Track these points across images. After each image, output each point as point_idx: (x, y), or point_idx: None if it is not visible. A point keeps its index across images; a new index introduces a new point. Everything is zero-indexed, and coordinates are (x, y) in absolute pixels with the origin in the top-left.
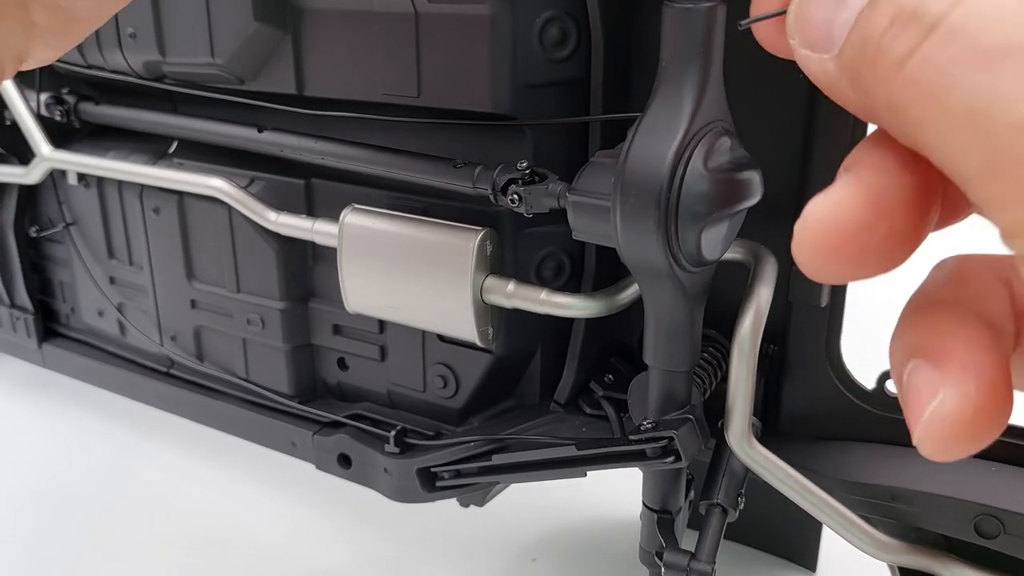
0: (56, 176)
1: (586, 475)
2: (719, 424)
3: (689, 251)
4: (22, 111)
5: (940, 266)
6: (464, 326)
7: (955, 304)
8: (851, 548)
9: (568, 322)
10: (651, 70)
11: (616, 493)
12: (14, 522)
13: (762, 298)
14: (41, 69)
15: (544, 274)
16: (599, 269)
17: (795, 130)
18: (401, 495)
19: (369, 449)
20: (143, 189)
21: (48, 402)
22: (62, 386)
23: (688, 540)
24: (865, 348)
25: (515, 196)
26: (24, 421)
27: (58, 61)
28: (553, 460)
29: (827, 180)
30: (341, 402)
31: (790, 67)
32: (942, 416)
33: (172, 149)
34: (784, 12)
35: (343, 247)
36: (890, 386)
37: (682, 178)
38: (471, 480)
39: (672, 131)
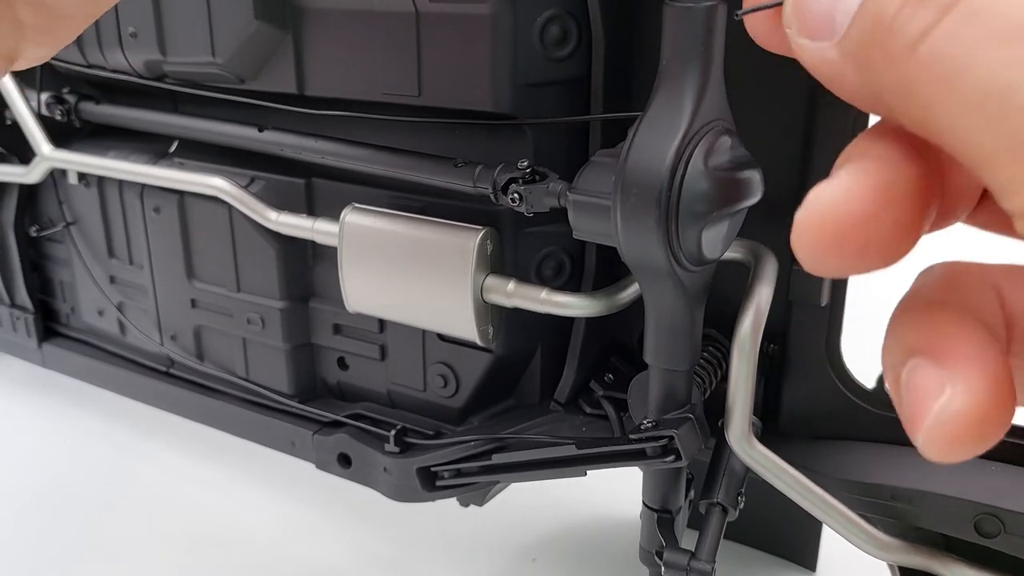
0: (56, 175)
1: (586, 474)
2: (719, 423)
3: (689, 250)
4: (23, 110)
5: (928, 271)
6: (464, 325)
7: (950, 305)
8: (851, 548)
9: (568, 321)
10: (652, 69)
11: (616, 493)
12: (14, 522)
13: (762, 297)
14: (42, 68)
15: (544, 273)
16: (599, 268)
17: (795, 130)
18: (401, 495)
19: (369, 448)
20: (143, 188)
21: (48, 402)
22: (62, 386)
23: (688, 539)
24: (865, 348)
25: (515, 195)
26: (24, 421)
27: (59, 61)
28: (553, 459)
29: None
30: (341, 402)
31: (790, 66)
32: (951, 413)
33: (173, 148)
34: (781, 3)
35: (343, 246)
36: None
37: (683, 177)
38: (471, 479)
39: (673, 130)
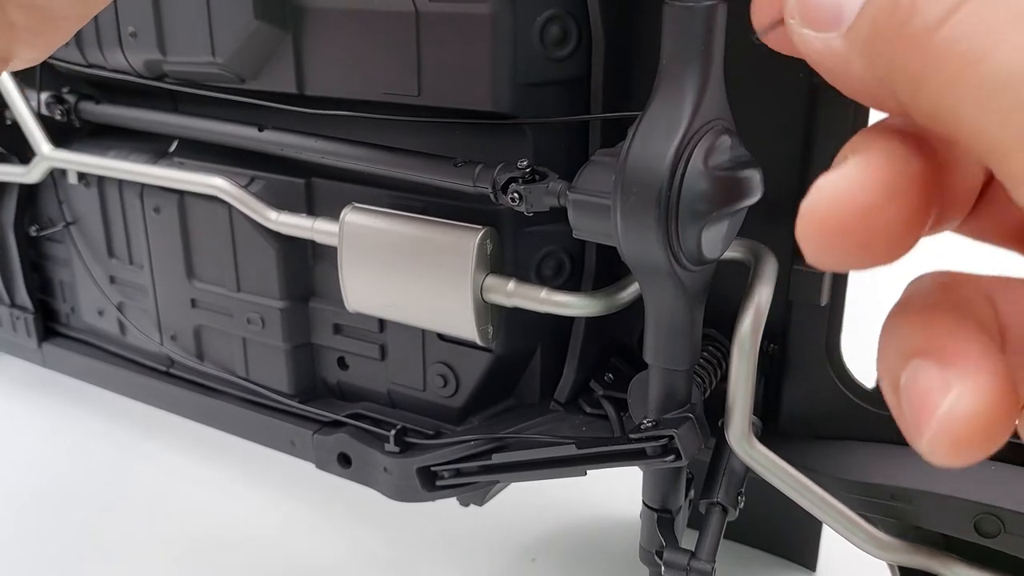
0: (56, 175)
1: (586, 474)
2: (719, 423)
3: (689, 249)
4: (22, 110)
5: (919, 279)
6: (464, 325)
7: (948, 308)
8: (851, 548)
9: (568, 321)
10: (652, 69)
11: (616, 492)
12: (14, 522)
13: (762, 297)
14: (42, 68)
15: (544, 273)
16: (599, 268)
17: (795, 129)
18: (401, 494)
19: (369, 448)
20: (143, 188)
21: (48, 402)
22: (62, 386)
23: (688, 539)
24: (865, 348)
25: (515, 195)
26: (24, 421)
27: (59, 60)
28: (553, 459)
29: None
30: (341, 401)
31: (791, 66)
32: (959, 413)
33: (172, 148)
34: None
35: (343, 246)
36: None
37: (682, 176)
38: (471, 479)
39: (672, 130)
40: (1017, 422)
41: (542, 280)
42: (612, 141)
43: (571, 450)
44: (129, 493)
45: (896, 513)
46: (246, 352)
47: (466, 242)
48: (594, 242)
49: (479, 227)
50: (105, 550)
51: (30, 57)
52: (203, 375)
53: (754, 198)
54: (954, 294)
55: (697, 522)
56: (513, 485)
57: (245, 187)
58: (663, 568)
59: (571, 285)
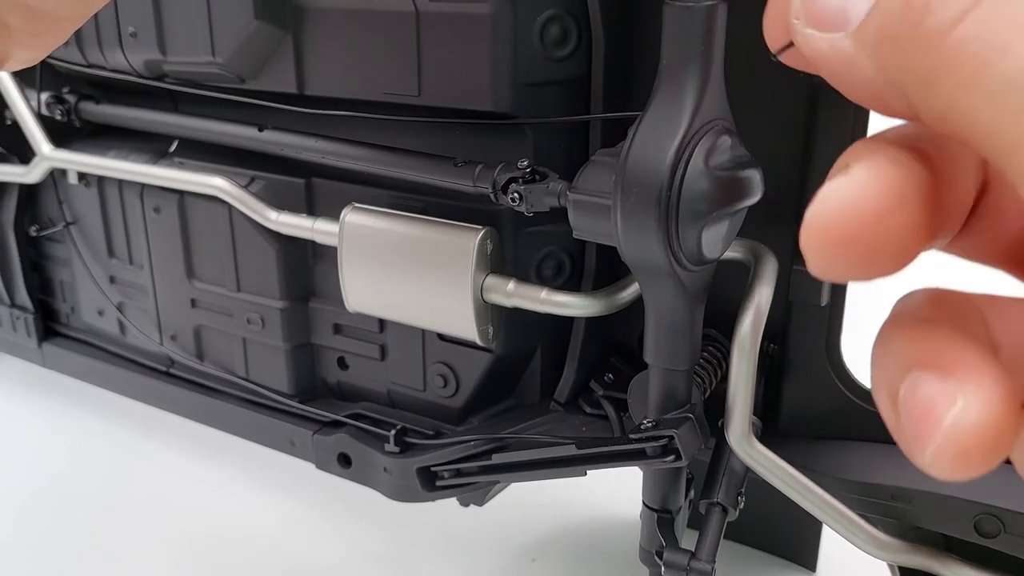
0: (56, 175)
1: (586, 474)
2: (719, 423)
3: (689, 249)
4: (23, 110)
5: (910, 295)
6: (464, 325)
7: (944, 321)
8: (851, 548)
9: (568, 321)
10: (652, 69)
11: (616, 493)
12: (14, 522)
13: (762, 297)
14: (42, 68)
15: (544, 273)
16: (599, 268)
17: (795, 130)
18: (401, 494)
19: (369, 448)
20: (143, 188)
21: (48, 402)
22: (62, 386)
23: (688, 539)
24: (865, 348)
25: (515, 195)
26: (24, 421)
27: (59, 60)
28: (553, 459)
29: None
30: (341, 401)
31: (790, 66)
32: (966, 424)
33: (172, 148)
34: None
35: (343, 246)
36: None
37: (683, 176)
38: (471, 479)
39: (673, 129)
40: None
41: (542, 280)
42: (612, 141)
43: (571, 450)
44: (129, 493)
45: (896, 513)
46: (246, 352)
47: (466, 242)
48: (594, 242)
49: (479, 227)
50: (105, 550)
51: (26, 58)
52: (203, 375)
53: (754, 198)
54: (946, 309)
55: (697, 522)
56: (513, 485)
57: (245, 187)
58: (663, 568)
59: (571, 285)
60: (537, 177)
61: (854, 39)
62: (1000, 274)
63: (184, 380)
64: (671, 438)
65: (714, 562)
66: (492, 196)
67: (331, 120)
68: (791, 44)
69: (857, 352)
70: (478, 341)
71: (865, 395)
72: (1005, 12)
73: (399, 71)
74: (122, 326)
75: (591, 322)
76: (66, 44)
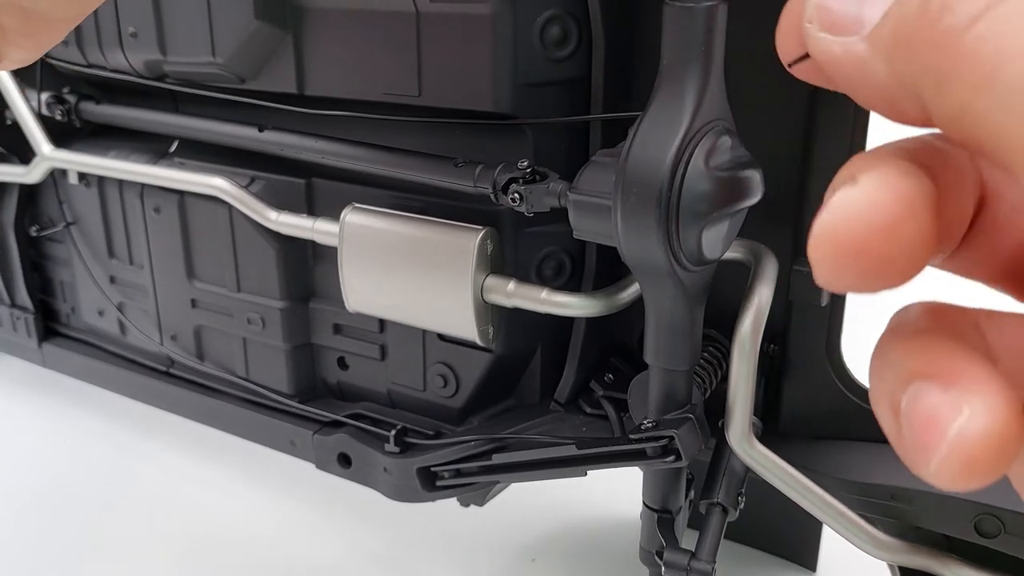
0: (57, 175)
1: (586, 474)
2: (719, 423)
3: (690, 250)
4: (23, 110)
5: (906, 309)
6: (464, 325)
7: (943, 333)
8: (851, 548)
9: (568, 321)
10: (652, 69)
11: (616, 493)
12: (14, 522)
13: (762, 298)
14: (42, 68)
15: (545, 273)
16: (600, 268)
17: (795, 130)
18: (401, 494)
19: (369, 448)
20: (144, 188)
21: (48, 402)
22: (62, 386)
23: (688, 539)
24: (865, 348)
25: (516, 195)
26: (24, 421)
27: (59, 60)
28: (553, 459)
29: (827, 180)
30: (341, 401)
31: None
32: (972, 434)
33: (173, 148)
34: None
35: (344, 246)
36: None
37: (683, 177)
38: (471, 479)
39: (673, 130)
40: None
41: (542, 280)
42: (612, 141)
43: (571, 450)
44: (129, 493)
45: (896, 513)
46: (246, 352)
47: (466, 242)
48: (594, 242)
49: (479, 227)
50: (105, 550)
51: (21, 58)
52: (203, 375)
53: (754, 199)
54: (944, 322)
55: (697, 522)
56: (513, 485)
57: (245, 187)
58: (663, 568)
59: (571, 285)
60: (537, 177)
61: (869, 42)
62: (995, 293)
63: (184, 380)
64: (671, 438)
65: (714, 562)
66: (492, 196)
67: (331, 120)
68: (804, 56)
69: (857, 352)
70: (478, 341)
71: (865, 395)
72: (1022, 13)
73: (399, 71)
74: (122, 326)
75: (591, 322)
76: (66, 44)
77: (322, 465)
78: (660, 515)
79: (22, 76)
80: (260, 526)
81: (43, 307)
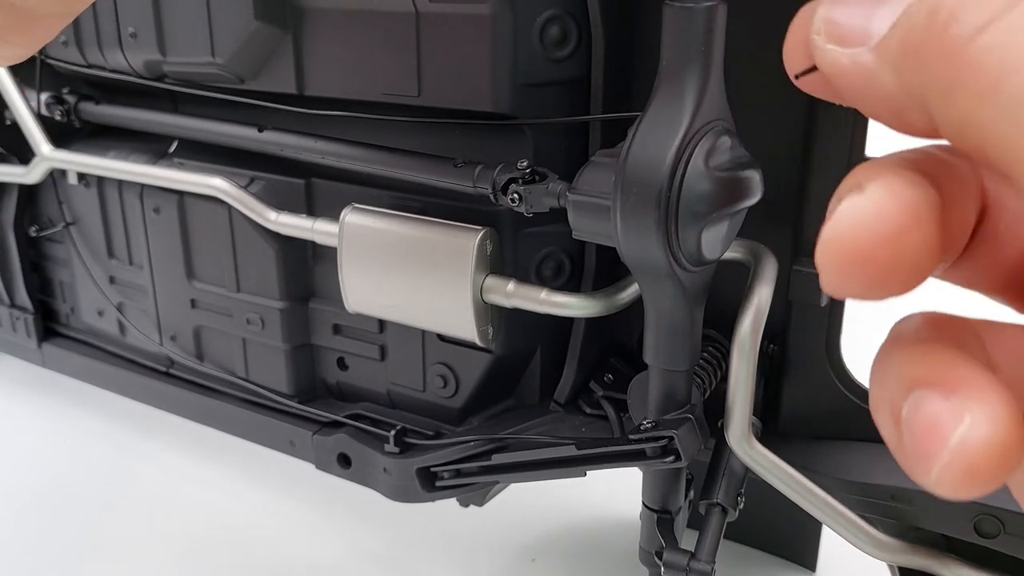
0: (56, 176)
1: (586, 475)
2: (719, 424)
3: (689, 250)
4: (22, 110)
5: (907, 318)
6: (464, 325)
7: (943, 341)
8: (851, 548)
9: (568, 322)
10: (652, 69)
11: (616, 493)
12: (14, 522)
13: (762, 298)
14: (41, 68)
15: (544, 274)
16: (599, 269)
17: (795, 130)
18: (401, 495)
19: (369, 449)
20: (143, 189)
21: (48, 402)
22: (62, 386)
23: (688, 540)
24: (865, 348)
25: (515, 195)
26: (24, 421)
27: (58, 61)
28: (553, 460)
29: (827, 180)
30: (341, 402)
31: None
32: (974, 442)
33: (172, 149)
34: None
35: (343, 246)
36: None
37: (682, 177)
38: (471, 480)
39: (673, 130)
40: None
41: (542, 281)
42: (612, 142)
43: (571, 451)
44: (129, 493)
45: (896, 513)
46: (246, 353)
47: (466, 243)
48: (594, 243)
49: (479, 228)
50: (105, 550)
51: (11, 55)
52: (203, 375)
53: (754, 199)
54: (945, 331)
55: (697, 522)
56: (513, 485)
57: (245, 188)
58: (663, 569)
59: (571, 286)
60: (537, 178)
61: (876, 53)
62: (994, 304)
63: (184, 380)
64: (671, 439)
65: (714, 562)
66: (492, 197)
67: (331, 121)
68: (812, 68)
69: (857, 352)
70: (478, 342)
71: (865, 395)
72: None
73: (399, 72)
74: (122, 326)
75: (591, 323)
76: (66, 44)
77: (322, 465)
78: (660, 515)
79: (22, 76)
80: (260, 526)
81: (43, 307)
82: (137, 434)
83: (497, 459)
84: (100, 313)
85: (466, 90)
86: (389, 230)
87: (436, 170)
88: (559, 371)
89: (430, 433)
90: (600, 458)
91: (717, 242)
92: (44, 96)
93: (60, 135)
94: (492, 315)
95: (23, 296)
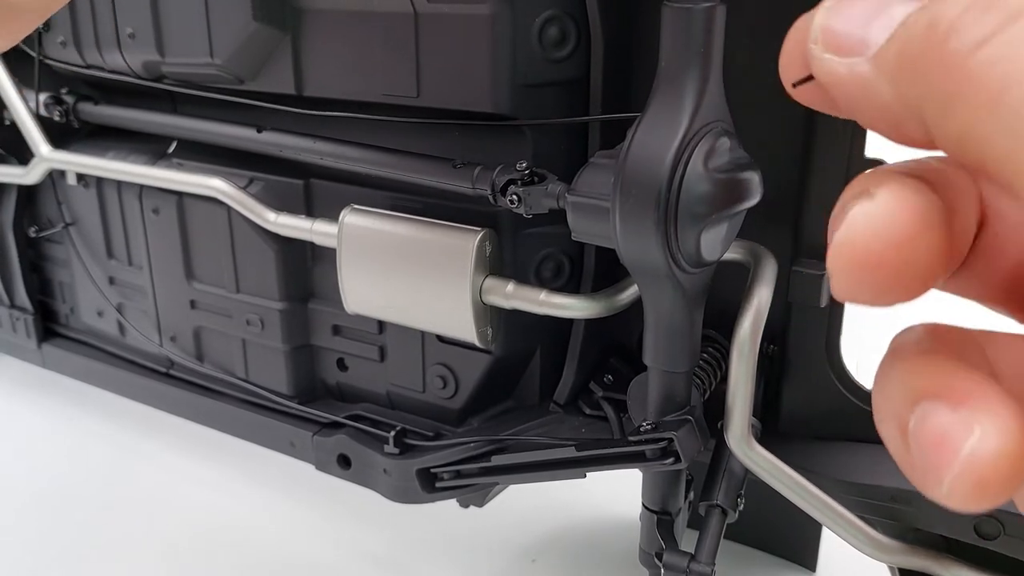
0: (55, 176)
1: (585, 476)
2: (719, 425)
3: (688, 252)
4: (21, 111)
5: (908, 329)
6: (463, 327)
7: (947, 353)
8: (851, 548)
9: (567, 323)
10: (651, 70)
11: (616, 494)
12: (14, 522)
13: (762, 298)
14: (40, 69)
15: (543, 275)
16: (598, 270)
17: (794, 131)
18: (401, 496)
19: (369, 450)
20: (142, 189)
21: (48, 402)
22: (62, 386)
23: (688, 540)
24: (865, 349)
25: (514, 197)
26: (24, 421)
27: (57, 61)
28: (553, 461)
29: (827, 181)
30: (340, 402)
31: None
32: (986, 453)
33: (171, 149)
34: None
35: (342, 247)
36: None
37: (682, 178)
38: (471, 481)
39: (672, 131)
40: None
41: (541, 282)
42: (611, 143)
43: (571, 452)
44: (129, 493)
45: (895, 515)
46: (245, 353)
47: (465, 244)
48: (593, 244)
49: (478, 229)
50: (105, 550)
51: None
52: (203, 376)
53: (753, 200)
54: (947, 342)
55: (697, 523)
56: (513, 486)
57: (244, 188)
58: (663, 570)
59: (570, 287)
60: (536, 179)
61: (874, 63)
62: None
63: (184, 381)
64: (671, 440)
65: (714, 564)
66: (491, 198)
67: (330, 121)
68: (808, 78)
69: (856, 353)
70: (477, 343)
71: (865, 396)
72: None
73: (398, 72)
74: (121, 327)
75: (590, 324)
76: (64, 45)
77: (322, 466)
78: (659, 517)
79: (20, 77)
80: (260, 526)
81: (42, 308)
82: (137, 434)
83: (497, 460)
84: (100, 314)
85: (465, 91)
86: (388, 231)
87: (435, 171)
88: (559, 372)
89: (430, 434)
90: (600, 459)
91: (716, 243)
92: (43, 96)
93: (59, 136)
94: (491, 316)
95: (23, 297)
